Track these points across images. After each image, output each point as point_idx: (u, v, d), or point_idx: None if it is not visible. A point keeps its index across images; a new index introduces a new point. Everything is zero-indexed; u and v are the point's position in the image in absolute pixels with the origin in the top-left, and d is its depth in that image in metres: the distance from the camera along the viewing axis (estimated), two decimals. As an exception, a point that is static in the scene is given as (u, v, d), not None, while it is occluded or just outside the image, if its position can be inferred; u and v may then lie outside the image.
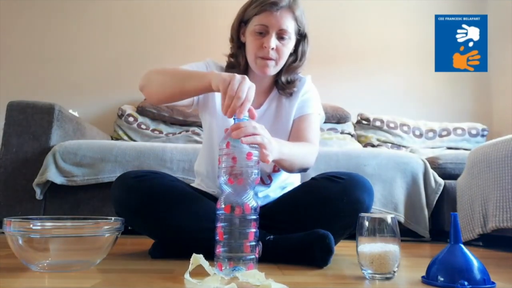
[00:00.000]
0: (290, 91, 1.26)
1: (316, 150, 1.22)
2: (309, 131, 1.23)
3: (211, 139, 1.24)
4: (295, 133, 1.23)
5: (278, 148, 0.99)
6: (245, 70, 1.26)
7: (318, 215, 1.10)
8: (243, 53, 1.24)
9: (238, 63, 1.25)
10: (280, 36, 1.17)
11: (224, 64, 1.30)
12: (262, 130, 0.91)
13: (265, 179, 1.24)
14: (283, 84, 1.25)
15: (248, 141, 0.87)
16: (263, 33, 1.16)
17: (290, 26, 1.17)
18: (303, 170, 1.19)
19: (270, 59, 1.17)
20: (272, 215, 1.13)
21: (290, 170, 1.14)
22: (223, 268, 0.83)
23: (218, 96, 1.23)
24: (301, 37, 1.24)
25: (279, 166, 1.11)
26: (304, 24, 1.22)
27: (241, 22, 1.23)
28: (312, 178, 1.20)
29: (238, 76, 0.91)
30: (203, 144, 1.33)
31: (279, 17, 1.15)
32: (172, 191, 1.10)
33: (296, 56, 1.25)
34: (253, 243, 0.85)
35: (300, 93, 1.27)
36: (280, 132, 1.21)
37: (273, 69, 1.20)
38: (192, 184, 1.32)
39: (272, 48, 1.16)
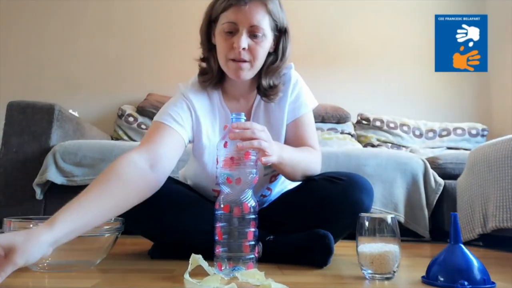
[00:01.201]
0: (274, 96, 1.11)
1: (320, 157, 1.15)
2: (307, 136, 1.14)
3: (202, 163, 1.15)
4: (292, 140, 1.14)
5: (278, 151, 0.95)
6: (218, 75, 1.12)
7: (318, 216, 1.09)
8: (215, 56, 1.10)
9: (210, 68, 1.11)
10: (253, 34, 1.03)
11: (188, 81, 1.18)
12: (262, 133, 0.88)
13: (264, 192, 1.20)
14: (265, 90, 1.11)
15: (245, 147, 0.84)
16: (233, 31, 1.02)
17: (263, 21, 1.02)
18: (307, 178, 1.13)
19: (243, 61, 1.03)
20: (272, 215, 1.13)
21: (292, 177, 1.09)
22: (222, 268, 0.83)
23: (205, 126, 1.13)
24: (280, 33, 1.09)
25: (280, 172, 1.06)
26: (282, 18, 1.08)
27: (210, 22, 1.09)
28: (312, 179, 1.18)
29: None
30: (190, 159, 1.27)
31: (248, 11, 1.00)
32: (172, 193, 1.08)
33: (276, 55, 1.11)
34: (253, 243, 0.85)
35: (289, 94, 1.14)
36: (275, 131, 1.13)
37: (248, 72, 1.06)
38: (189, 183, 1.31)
39: (244, 48, 1.02)
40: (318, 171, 1.15)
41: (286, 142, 1.15)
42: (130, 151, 0.95)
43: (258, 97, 1.15)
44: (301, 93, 1.16)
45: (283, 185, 1.25)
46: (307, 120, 1.17)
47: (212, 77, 1.12)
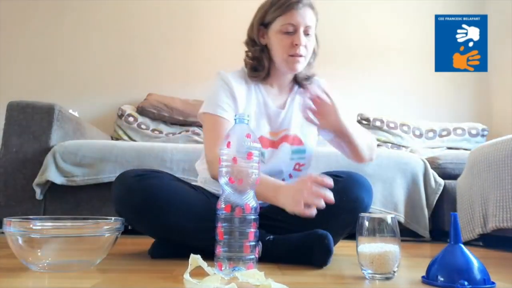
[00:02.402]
0: (308, 84, 1.31)
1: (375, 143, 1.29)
2: (355, 124, 1.27)
3: None
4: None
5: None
6: (268, 71, 1.28)
7: (318, 214, 1.09)
8: (267, 56, 1.26)
9: (262, 66, 1.27)
10: (306, 33, 1.21)
11: (231, 69, 1.30)
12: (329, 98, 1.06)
13: (286, 178, 1.26)
14: (302, 79, 1.32)
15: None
16: (291, 32, 1.20)
17: (313, 22, 1.22)
18: (367, 159, 1.25)
19: (301, 55, 1.21)
20: (272, 215, 1.13)
21: (354, 150, 1.21)
22: (223, 268, 0.83)
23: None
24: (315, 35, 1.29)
25: (345, 142, 1.19)
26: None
27: (260, 25, 1.25)
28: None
29: (305, 193, 0.94)
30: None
31: (304, 14, 1.19)
32: (172, 190, 1.10)
33: (313, 53, 1.30)
34: (253, 243, 0.85)
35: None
36: (307, 124, 1.25)
37: (302, 65, 1.24)
38: (194, 183, 1.32)
39: (303, 45, 1.20)
40: (374, 157, 1.29)
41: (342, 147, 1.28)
42: (213, 150, 1.09)
43: (295, 89, 1.34)
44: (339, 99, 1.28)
45: None
46: (350, 118, 1.27)
47: (264, 74, 1.27)
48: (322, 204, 0.94)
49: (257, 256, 0.87)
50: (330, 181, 0.96)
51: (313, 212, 0.95)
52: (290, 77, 1.32)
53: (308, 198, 0.94)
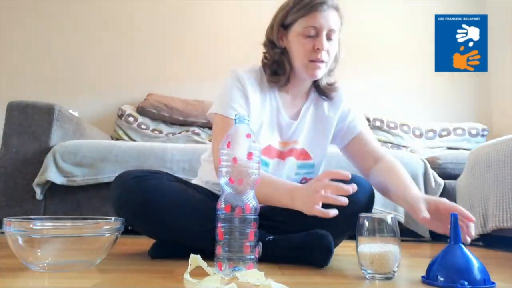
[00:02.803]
0: (330, 94, 1.24)
1: (395, 159, 1.24)
2: (377, 146, 1.25)
3: None
4: (365, 154, 1.24)
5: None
6: (288, 77, 1.20)
7: (318, 216, 1.09)
8: (287, 59, 1.18)
9: (283, 70, 1.18)
10: (329, 37, 1.14)
11: (247, 66, 1.22)
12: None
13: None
14: (324, 87, 1.23)
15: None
16: (313, 35, 1.12)
17: (336, 25, 1.15)
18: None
19: (322, 61, 1.14)
20: (272, 215, 1.13)
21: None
22: (223, 268, 0.83)
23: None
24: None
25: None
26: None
27: (280, 27, 1.18)
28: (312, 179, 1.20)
29: (321, 192, 0.91)
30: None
31: (327, 17, 1.11)
32: (172, 191, 1.09)
33: (335, 58, 1.22)
34: (253, 243, 0.85)
35: (340, 103, 1.26)
36: (320, 132, 1.24)
37: (322, 71, 1.17)
38: (193, 181, 1.32)
39: (325, 50, 1.13)
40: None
41: (356, 157, 1.27)
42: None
43: (312, 95, 1.26)
44: (356, 110, 1.29)
45: None
46: (369, 135, 1.27)
47: (284, 79, 1.19)
48: (343, 200, 0.90)
49: (257, 256, 0.87)
50: (346, 173, 0.92)
51: (334, 212, 0.90)
52: (308, 84, 1.24)
53: (326, 197, 0.90)
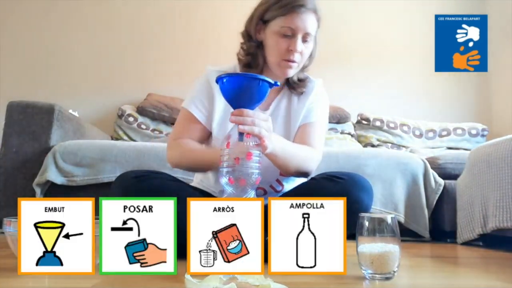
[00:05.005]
0: (300, 90, 1.26)
1: (318, 157, 1.20)
2: (313, 137, 1.22)
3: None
4: (299, 139, 1.22)
5: (275, 142, 0.99)
6: (261, 70, 1.22)
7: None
8: (262, 53, 1.20)
9: (256, 63, 1.21)
10: (304, 39, 1.15)
11: (221, 66, 1.27)
12: (263, 122, 0.91)
13: (276, 186, 1.24)
14: (294, 83, 1.25)
15: (245, 130, 0.87)
16: (289, 35, 1.14)
17: (313, 28, 1.16)
18: (302, 174, 1.18)
19: (294, 62, 1.16)
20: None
21: (284, 169, 1.13)
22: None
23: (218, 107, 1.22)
24: (315, 38, 1.23)
25: (273, 162, 1.10)
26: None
27: (259, 20, 1.19)
28: (312, 178, 1.20)
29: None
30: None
31: (305, 20, 1.13)
32: (172, 192, 1.09)
33: (310, 57, 1.24)
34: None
35: (311, 96, 1.26)
36: (291, 129, 1.24)
37: (294, 72, 1.20)
38: (192, 184, 1.32)
39: (298, 52, 1.15)
40: (313, 169, 1.19)
41: (293, 140, 1.23)
42: (172, 139, 1.25)
43: (284, 90, 1.27)
44: (320, 106, 1.28)
45: (296, 183, 1.27)
46: (317, 126, 1.25)
47: (257, 72, 1.20)
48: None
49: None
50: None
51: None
52: (281, 79, 1.25)
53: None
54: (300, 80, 1.26)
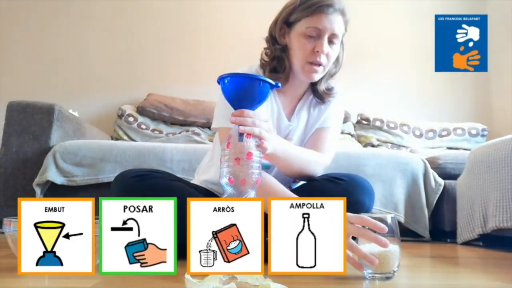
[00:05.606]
0: (329, 98, 1.22)
1: (325, 161, 1.18)
2: (324, 142, 1.20)
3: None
4: (310, 142, 1.21)
5: (276, 143, 0.98)
6: (287, 76, 1.18)
7: None
8: (288, 57, 1.16)
9: (283, 68, 1.17)
10: (331, 41, 1.12)
11: (242, 68, 1.22)
12: (264, 123, 0.89)
13: (292, 184, 1.24)
14: (322, 92, 1.21)
15: (246, 130, 0.86)
16: (315, 36, 1.10)
17: (340, 30, 1.13)
18: (306, 177, 1.16)
19: (320, 64, 1.12)
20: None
21: (287, 172, 1.12)
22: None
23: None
24: (341, 42, 1.20)
25: (276, 165, 1.09)
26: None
27: (283, 24, 1.16)
28: (313, 179, 1.19)
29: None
30: (215, 147, 1.29)
31: (332, 20, 1.09)
32: (172, 191, 1.09)
33: (337, 61, 1.21)
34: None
35: (332, 103, 1.24)
36: (308, 132, 1.22)
37: (320, 75, 1.15)
38: (193, 181, 1.32)
39: (324, 53, 1.11)
40: (318, 173, 1.17)
41: (306, 143, 1.22)
42: None
43: (306, 97, 1.23)
44: (339, 112, 1.27)
45: None
46: (330, 135, 1.22)
47: (284, 77, 1.17)
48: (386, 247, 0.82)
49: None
50: (383, 226, 0.83)
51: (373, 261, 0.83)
52: (306, 86, 1.23)
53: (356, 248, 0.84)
54: (328, 89, 1.22)
